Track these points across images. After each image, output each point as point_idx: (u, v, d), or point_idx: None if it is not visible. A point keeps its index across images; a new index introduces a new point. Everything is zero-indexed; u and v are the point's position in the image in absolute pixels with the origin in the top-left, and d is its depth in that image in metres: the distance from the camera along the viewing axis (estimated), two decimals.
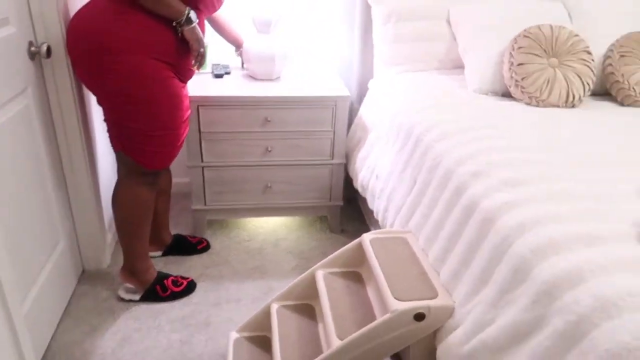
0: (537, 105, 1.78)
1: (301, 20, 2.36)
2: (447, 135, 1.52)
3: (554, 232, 1.00)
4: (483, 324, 1.04)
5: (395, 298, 1.21)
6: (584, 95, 1.79)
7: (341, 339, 1.24)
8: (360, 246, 1.49)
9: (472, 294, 1.13)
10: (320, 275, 1.48)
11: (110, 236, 2.13)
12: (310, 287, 1.53)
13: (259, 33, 2.11)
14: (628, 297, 0.82)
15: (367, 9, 2.24)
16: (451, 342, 1.12)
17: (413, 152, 1.62)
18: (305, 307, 1.53)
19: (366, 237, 1.47)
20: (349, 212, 2.50)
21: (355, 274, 1.50)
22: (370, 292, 1.41)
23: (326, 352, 1.22)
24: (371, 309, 1.35)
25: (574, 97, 1.77)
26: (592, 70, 1.81)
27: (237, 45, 2.13)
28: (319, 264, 1.51)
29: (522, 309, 0.95)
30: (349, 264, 1.52)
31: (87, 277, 1.99)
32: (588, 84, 1.79)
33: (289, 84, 2.14)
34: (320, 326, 1.45)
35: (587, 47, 1.83)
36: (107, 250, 2.05)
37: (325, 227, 2.40)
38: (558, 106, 1.78)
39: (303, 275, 1.53)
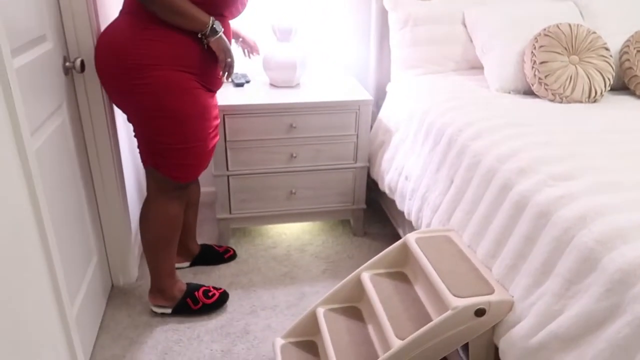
0: (561, 102, 1.83)
1: (317, 27, 2.38)
2: (482, 134, 1.55)
3: (616, 222, 1.03)
4: (551, 315, 1.07)
5: (454, 295, 1.22)
6: (605, 90, 1.84)
7: (401, 339, 1.25)
8: (403, 246, 1.51)
9: (533, 286, 1.15)
10: (366, 277, 1.49)
11: (137, 250, 2.12)
12: (355, 290, 1.54)
13: (279, 41, 2.13)
14: None
15: (382, 14, 2.27)
16: (516, 336, 1.14)
17: (447, 152, 1.65)
18: (352, 309, 1.54)
19: (411, 237, 1.48)
20: (369, 214, 2.52)
21: (400, 274, 1.52)
22: (420, 290, 1.43)
23: (389, 352, 1.23)
24: (423, 307, 1.37)
25: (596, 93, 1.82)
26: (612, 66, 1.86)
27: (237, 37, 2.03)
28: (362, 266, 1.53)
29: (596, 297, 0.97)
30: (393, 265, 1.53)
31: (117, 292, 1.97)
32: (609, 79, 1.84)
33: (310, 90, 2.15)
34: (369, 327, 1.46)
35: (605, 43, 1.88)
36: (135, 264, 2.04)
37: (348, 231, 2.41)
38: (581, 102, 1.82)
39: (347, 278, 1.54)
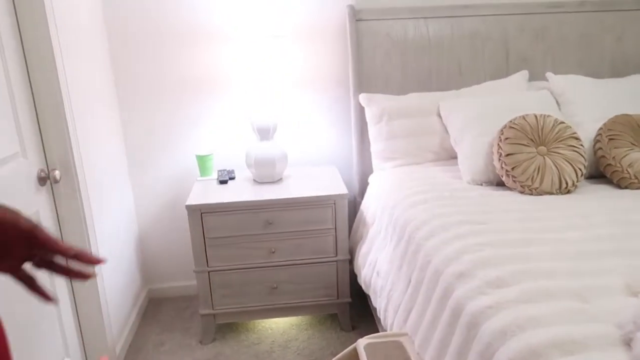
0: (531, 194, 1.78)
1: (302, 121, 2.49)
2: (435, 233, 1.52)
3: (533, 338, 0.97)
4: None
5: None
6: (577, 181, 1.79)
7: None
8: (355, 352, 1.46)
9: None
10: None
11: (120, 347, 2.14)
12: None
13: (261, 140, 2.23)
14: None
15: (361, 109, 2.36)
16: None
17: (407, 249, 1.62)
18: None
19: (361, 343, 1.43)
20: (361, 308, 2.45)
21: None
22: None
23: None
24: None
25: (567, 184, 1.77)
26: (583, 155, 1.81)
27: None
28: None
29: None
30: None
31: None
32: (580, 169, 1.79)
33: (290, 185, 2.21)
34: None
35: (574, 133, 1.85)
36: None
37: (336, 325, 2.34)
38: (552, 193, 1.77)
39: None
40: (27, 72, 1.64)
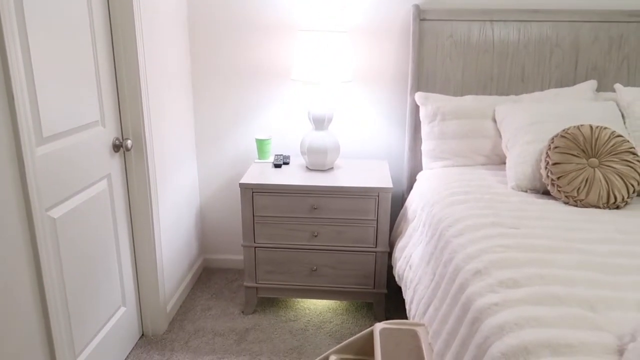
0: (576, 205, 1.74)
1: (358, 114, 2.57)
2: (466, 232, 1.55)
3: (528, 336, 1.00)
4: None
5: None
6: (628, 197, 1.72)
7: None
8: (372, 335, 1.53)
9: None
10: None
11: (170, 306, 2.36)
12: None
13: (316, 129, 2.34)
14: None
15: (416, 107, 2.39)
16: None
17: (437, 245, 1.66)
18: None
19: (378, 326, 1.50)
20: (398, 301, 2.50)
21: None
22: None
23: None
24: None
25: (616, 199, 1.71)
26: (637, 171, 1.74)
27: None
28: (333, 349, 1.57)
29: None
30: (361, 352, 1.55)
31: (144, 341, 2.20)
32: (632, 185, 1.72)
33: (338, 175, 2.31)
34: None
35: (632, 147, 1.78)
36: (165, 318, 2.27)
37: (371, 314, 2.42)
38: (599, 207, 1.72)
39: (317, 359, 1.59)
40: (113, 52, 1.87)
